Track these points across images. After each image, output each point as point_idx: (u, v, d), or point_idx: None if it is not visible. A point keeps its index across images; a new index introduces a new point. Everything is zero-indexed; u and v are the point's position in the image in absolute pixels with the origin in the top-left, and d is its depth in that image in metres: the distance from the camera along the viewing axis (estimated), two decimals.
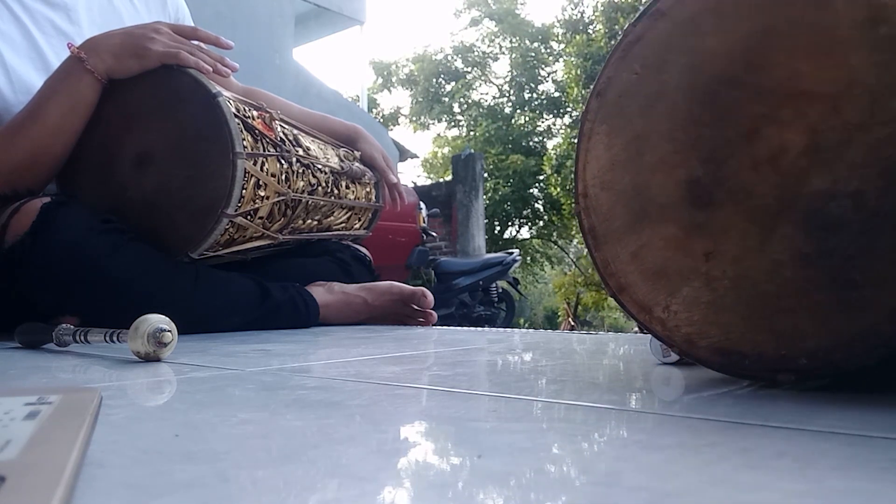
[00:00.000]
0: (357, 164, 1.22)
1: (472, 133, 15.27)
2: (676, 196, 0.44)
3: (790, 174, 0.39)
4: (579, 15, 13.51)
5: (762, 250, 0.39)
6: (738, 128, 0.42)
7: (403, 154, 9.76)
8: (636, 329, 0.50)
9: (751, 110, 0.41)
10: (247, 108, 1.00)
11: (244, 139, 0.95)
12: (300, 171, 1.06)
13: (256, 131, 0.98)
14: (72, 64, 0.96)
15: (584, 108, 0.49)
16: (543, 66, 15.55)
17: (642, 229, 0.46)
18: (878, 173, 0.36)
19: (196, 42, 1.02)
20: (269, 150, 1.00)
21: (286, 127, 1.08)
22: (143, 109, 0.98)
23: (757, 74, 0.41)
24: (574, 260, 13.70)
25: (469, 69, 16.17)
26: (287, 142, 1.05)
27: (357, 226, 1.27)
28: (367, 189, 1.26)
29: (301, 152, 1.07)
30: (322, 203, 1.12)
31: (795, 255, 0.39)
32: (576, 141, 0.50)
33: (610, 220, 0.48)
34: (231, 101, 0.96)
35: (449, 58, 16.29)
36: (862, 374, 0.39)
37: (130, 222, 0.94)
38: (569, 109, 14.24)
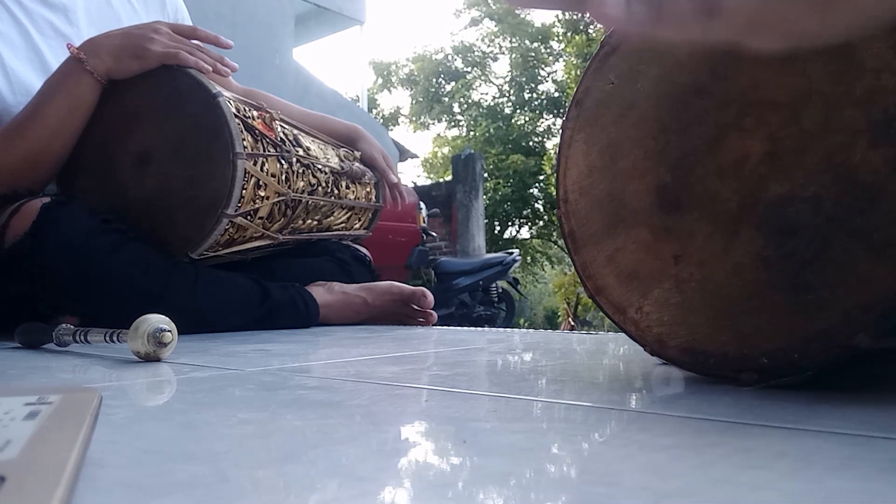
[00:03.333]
0: (357, 164, 1.22)
1: (472, 133, 15.27)
2: (647, 201, 0.46)
3: (751, 180, 0.41)
4: (580, 15, 13.50)
5: (726, 253, 0.40)
6: (704, 136, 0.43)
7: (403, 154, 9.76)
8: None
9: (716, 119, 0.42)
10: (247, 108, 1.00)
11: (244, 139, 0.95)
12: (300, 171, 1.06)
13: (257, 131, 0.98)
14: (71, 65, 0.96)
15: (564, 116, 0.51)
16: (543, 66, 15.55)
17: (617, 233, 0.47)
18: (833, 179, 0.37)
19: (195, 42, 1.01)
20: (269, 151, 1.00)
21: (286, 127, 1.08)
22: (143, 110, 0.98)
23: (722, 83, 0.42)
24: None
25: (469, 69, 16.17)
26: (287, 142, 1.05)
27: (357, 226, 1.27)
28: (368, 189, 1.26)
29: (301, 152, 1.07)
30: (322, 203, 1.12)
31: (756, 258, 0.40)
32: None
33: (588, 224, 0.49)
34: (231, 101, 0.96)
35: (449, 58, 16.29)
36: (842, 373, 0.40)
37: (130, 222, 0.94)
38: None
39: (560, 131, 0.51)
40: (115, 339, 0.63)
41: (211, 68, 0.99)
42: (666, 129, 0.45)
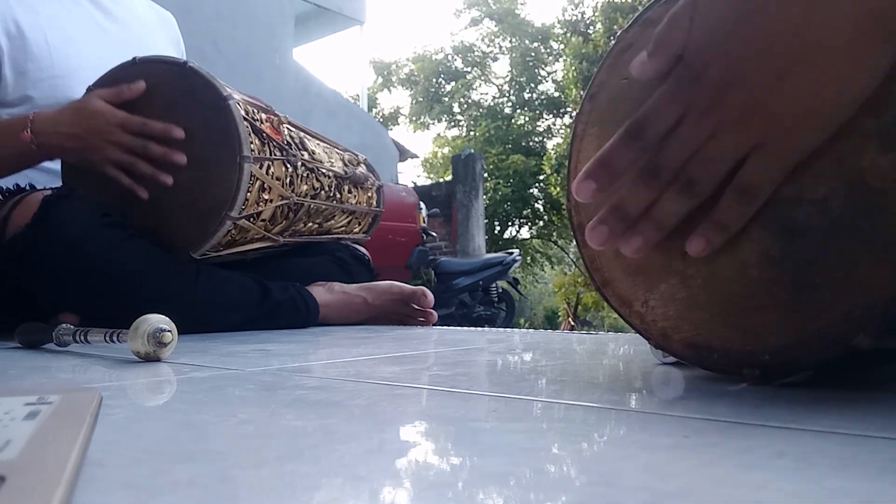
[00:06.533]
0: (360, 168, 1.22)
1: (472, 133, 15.28)
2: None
3: None
4: (580, 15, 13.52)
5: (733, 251, 0.40)
6: None
7: (403, 154, 9.75)
8: None
9: None
10: (255, 111, 1.00)
11: (252, 142, 0.95)
12: (304, 174, 1.06)
13: (264, 135, 0.99)
14: (22, 141, 0.95)
15: (577, 109, 0.51)
16: (543, 66, 15.56)
17: None
18: (843, 183, 0.37)
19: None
20: (275, 154, 1.00)
21: (293, 130, 1.08)
22: (153, 110, 0.98)
23: None
24: (574, 260, 13.69)
25: (469, 69, 16.17)
26: (293, 145, 1.05)
27: (357, 230, 1.28)
28: (369, 194, 1.26)
29: (306, 156, 1.07)
30: (324, 207, 1.12)
31: (762, 256, 0.40)
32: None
33: None
34: (241, 104, 0.96)
35: (449, 58, 16.30)
36: (842, 373, 0.40)
37: (134, 220, 0.94)
38: (568, 109, 14.25)
39: (573, 124, 0.51)
40: (115, 339, 0.63)
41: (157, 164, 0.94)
42: None
